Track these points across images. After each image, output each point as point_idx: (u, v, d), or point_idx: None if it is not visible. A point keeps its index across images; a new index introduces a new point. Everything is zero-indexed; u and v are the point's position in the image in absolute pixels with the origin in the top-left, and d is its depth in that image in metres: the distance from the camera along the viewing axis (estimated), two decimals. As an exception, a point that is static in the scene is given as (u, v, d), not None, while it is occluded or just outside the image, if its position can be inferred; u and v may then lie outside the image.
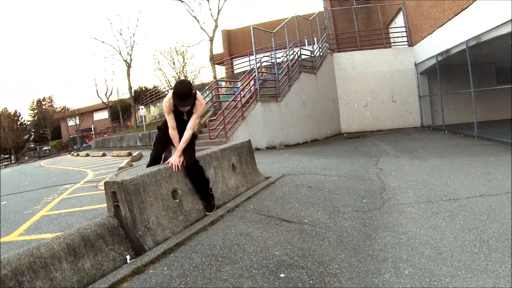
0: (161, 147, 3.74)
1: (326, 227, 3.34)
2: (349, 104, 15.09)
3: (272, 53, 11.87)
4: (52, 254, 2.29)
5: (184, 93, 3.29)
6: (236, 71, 22.21)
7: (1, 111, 43.56)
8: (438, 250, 2.74)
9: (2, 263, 2.03)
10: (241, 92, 11.21)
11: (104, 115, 43.18)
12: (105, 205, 3.07)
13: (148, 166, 3.59)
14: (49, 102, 50.00)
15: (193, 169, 3.59)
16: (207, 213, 3.65)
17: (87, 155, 22.80)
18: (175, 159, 3.49)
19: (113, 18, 58.98)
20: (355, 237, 3.12)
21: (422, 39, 13.15)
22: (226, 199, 4.12)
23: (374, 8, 18.08)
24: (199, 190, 3.69)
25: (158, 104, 28.13)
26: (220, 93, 15.36)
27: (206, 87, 13.91)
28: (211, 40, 23.09)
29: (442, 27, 11.08)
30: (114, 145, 26.78)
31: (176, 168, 3.45)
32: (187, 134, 3.50)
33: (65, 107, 48.24)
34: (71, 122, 45.38)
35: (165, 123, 3.66)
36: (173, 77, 27.94)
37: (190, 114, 3.53)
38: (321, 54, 13.99)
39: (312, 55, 13.48)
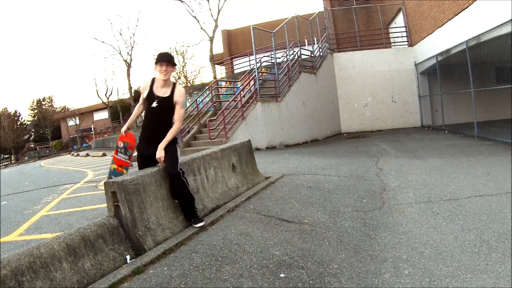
0: None
1: (326, 227, 3.34)
2: (349, 104, 15.08)
3: (272, 53, 11.86)
4: (52, 254, 2.29)
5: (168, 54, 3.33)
6: (236, 71, 22.19)
7: (1, 111, 43.57)
8: (438, 250, 2.74)
9: (2, 263, 2.03)
10: (241, 92, 11.21)
11: (104, 115, 43.15)
12: (105, 205, 3.07)
13: None
14: (49, 102, 49.99)
15: (176, 180, 3.23)
16: (195, 226, 3.24)
17: (87, 155, 22.79)
18: (159, 152, 3.17)
19: (113, 18, 59.08)
20: (355, 237, 3.12)
21: (422, 39, 13.14)
22: (226, 199, 4.12)
23: (374, 8, 18.07)
24: (182, 205, 3.31)
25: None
26: (220, 93, 15.36)
27: (206, 87, 13.93)
28: (211, 40, 23.09)
29: (442, 27, 11.07)
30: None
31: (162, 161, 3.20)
32: (176, 126, 3.25)
33: (65, 107, 48.24)
34: (71, 122, 45.37)
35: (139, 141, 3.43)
36: (173, 77, 27.93)
37: (166, 102, 3.24)
38: (321, 54, 13.99)
39: (312, 55, 13.47)
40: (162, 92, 3.26)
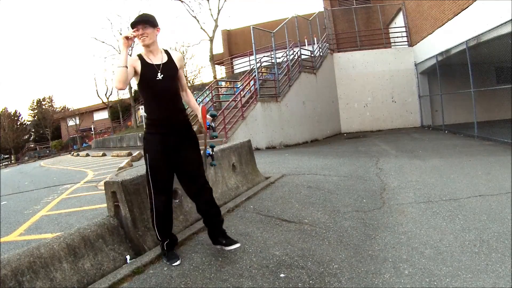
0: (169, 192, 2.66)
1: (326, 227, 3.34)
2: (349, 104, 15.09)
3: (272, 53, 11.87)
4: (52, 254, 2.29)
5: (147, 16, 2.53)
6: (236, 71, 22.21)
7: (1, 111, 43.56)
8: (438, 250, 2.74)
9: (2, 263, 2.03)
10: (241, 92, 11.22)
11: (104, 115, 43.13)
12: (105, 205, 3.07)
13: (160, 226, 2.59)
14: (49, 102, 49.98)
15: (210, 194, 2.74)
16: (227, 248, 2.64)
17: (87, 155, 22.79)
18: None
19: (113, 18, 58.93)
20: (355, 237, 3.12)
21: (422, 39, 13.15)
22: (226, 199, 4.12)
23: (374, 8, 18.08)
24: (218, 226, 2.74)
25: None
26: (220, 93, 15.37)
27: (206, 87, 13.93)
28: (211, 40, 23.07)
29: (442, 27, 11.08)
30: (114, 145, 26.74)
31: None
32: (191, 95, 2.80)
33: (65, 107, 48.22)
34: (71, 122, 45.34)
35: (148, 142, 2.57)
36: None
37: (171, 68, 2.60)
38: (321, 54, 14.00)
39: (312, 55, 13.48)
40: (157, 61, 2.56)
